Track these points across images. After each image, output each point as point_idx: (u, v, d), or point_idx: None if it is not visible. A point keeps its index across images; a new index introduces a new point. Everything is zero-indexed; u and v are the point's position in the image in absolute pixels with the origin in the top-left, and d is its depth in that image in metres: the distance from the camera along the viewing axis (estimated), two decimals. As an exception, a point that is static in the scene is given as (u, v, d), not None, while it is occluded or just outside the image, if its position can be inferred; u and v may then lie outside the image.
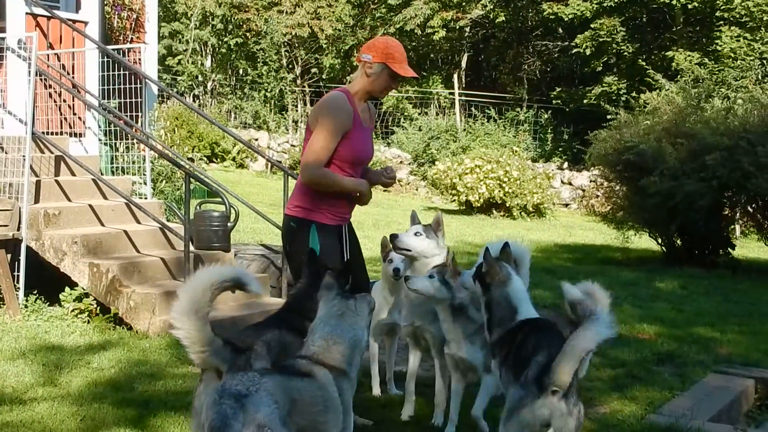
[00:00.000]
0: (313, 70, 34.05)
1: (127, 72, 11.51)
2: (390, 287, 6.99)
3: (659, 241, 15.84)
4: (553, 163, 28.36)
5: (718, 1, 26.82)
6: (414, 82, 34.89)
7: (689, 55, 26.79)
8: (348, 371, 4.48)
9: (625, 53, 29.14)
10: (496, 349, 5.31)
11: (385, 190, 25.93)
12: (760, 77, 23.36)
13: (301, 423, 4.09)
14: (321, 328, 4.59)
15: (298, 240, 6.00)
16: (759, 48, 25.88)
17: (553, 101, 31.66)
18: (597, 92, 28.79)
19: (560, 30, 32.86)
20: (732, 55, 25.89)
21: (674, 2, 27.21)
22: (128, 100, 11.43)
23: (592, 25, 29.02)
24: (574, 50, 30.00)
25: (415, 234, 6.49)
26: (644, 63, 26.99)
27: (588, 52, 29.23)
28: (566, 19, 29.90)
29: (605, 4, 28.93)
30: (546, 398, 4.69)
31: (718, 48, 26.41)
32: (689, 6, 27.37)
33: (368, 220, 17.13)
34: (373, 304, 4.84)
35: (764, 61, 24.80)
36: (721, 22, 26.97)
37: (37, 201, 9.90)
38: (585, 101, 29.38)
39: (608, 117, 18.32)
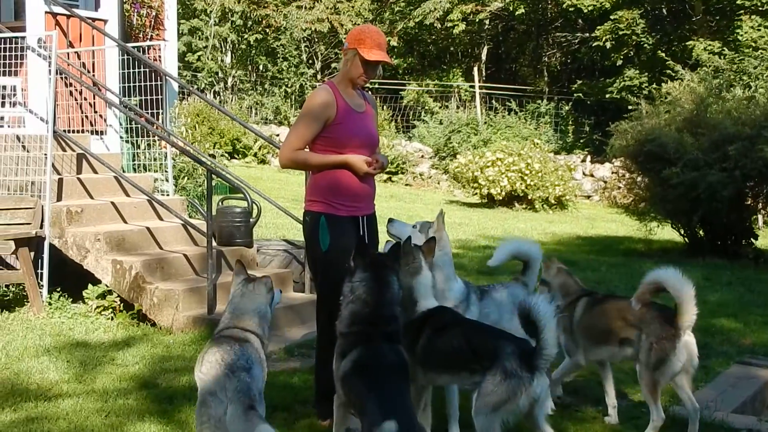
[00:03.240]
0: (334, 65, 34.05)
1: (147, 69, 11.55)
2: None
3: (681, 232, 15.76)
4: (574, 155, 28.25)
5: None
6: (434, 75, 34.89)
7: (709, 45, 26.63)
8: (262, 335, 5.34)
9: (645, 45, 29.00)
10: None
11: (406, 184, 25.97)
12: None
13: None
14: (229, 307, 5.43)
15: (311, 234, 6.17)
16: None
17: (574, 94, 31.55)
18: (618, 86, 28.68)
19: (580, 21, 32.74)
20: (753, 44, 25.70)
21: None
22: (149, 97, 11.47)
23: (611, 17, 28.89)
24: (594, 43, 29.89)
25: (413, 227, 6.51)
26: (664, 54, 26.81)
27: (608, 45, 29.11)
28: (585, 11, 29.82)
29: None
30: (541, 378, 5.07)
31: (739, 37, 26.23)
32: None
33: (390, 214, 17.06)
34: (269, 285, 5.48)
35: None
36: (741, 11, 26.81)
37: (59, 199, 9.96)
38: (607, 95, 29.26)
39: (629, 108, 18.27)
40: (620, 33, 28.73)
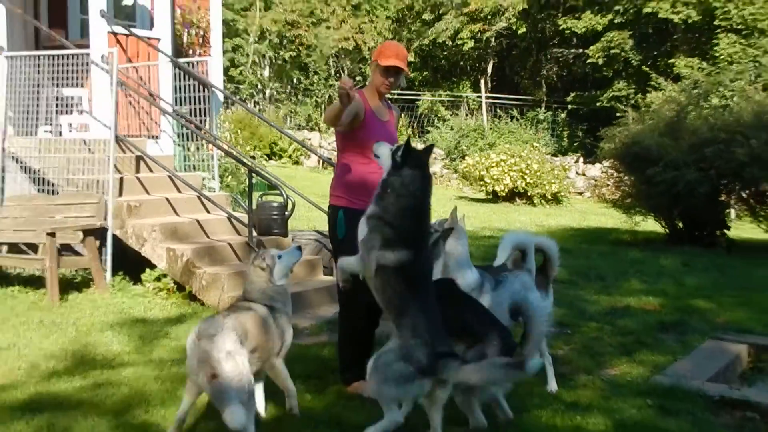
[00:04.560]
0: (358, 78, 34.10)
1: (196, 82, 11.62)
2: None
3: (663, 224, 15.74)
4: (569, 156, 28.17)
5: (717, 11, 26.53)
6: (446, 86, 34.83)
7: (690, 62, 26.53)
8: (273, 305, 5.40)
9: (633, 61, 28.92)
10: None
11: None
12: (753, 78, 23.12)
13: (252, 344, 5.15)
14: (245, 283, 5.54)
15: (332, 224, 6.19)
16: (753, 52, 25.56)
17: (569, 105, 31.46)
18: (608, 96, 28.61)
19: (575, 39, 32.65)
20: (729, 59, 25.59)
21: (676, 19, 27.03)
22: (197, 106, 11.54)
23: (603, 38, 28.86)
24: (588, 60, 29.82)
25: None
26: (649, 69, 26.73)
27: (600, 62, 29.08)
28: (579, 32, 29.78)
29: (616, 21, 28.79)
30: None
31: (716, 53, 26.12)
32: (689, 21, 27.16)
33: (407, 208, 17.12)
34: (270, 257, 5.45)
35: (756, 64, 24.51)
36: (719, 30, 26.69)
37: (120, 195, 10.04)
38: (598, 104, 29.17)
39: (618, 115, 18.25)
40: (611, 52, 28.69)
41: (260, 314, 5.33)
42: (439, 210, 14.74)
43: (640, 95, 22.73)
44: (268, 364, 5.42)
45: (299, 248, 5.66)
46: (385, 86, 6.26)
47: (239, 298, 5.59)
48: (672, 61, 27.18)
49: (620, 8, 28.69)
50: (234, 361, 4.86)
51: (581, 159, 27.23)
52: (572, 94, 31.57)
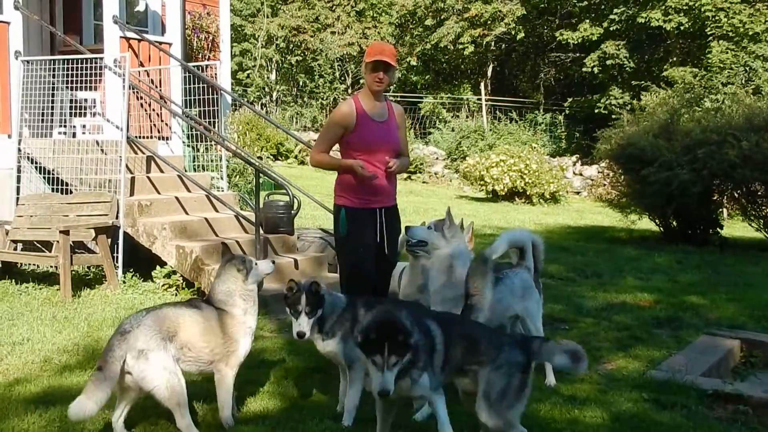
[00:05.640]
0: (362, 81, 34.02)
1: (205, 85, 11.60)
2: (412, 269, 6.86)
3: (657, 222, 15.69)
4: (566, 157, 28.10)
5: (708, 21, 26.48)
6: (447, 89, 34.82)
7: (682, 70, 26.49)
8: (228, 310, 5.16)
9: (627, 68, 28.88)
10: None
11: (423, 182, 25.93)
12: (743, 82, 23.09)
13: (183, 339, 4.94)
14: (213, 283, 5.36)
15: (335, 221, 6.25)
16: (743, 57, 25.51)
17: (567, 110, 31.43)
18: (604, 102, 28.57)
19: (571, 44, 32.66)
20: (720, 65, 25.53)
21: (668, 26, 26.96)
22: (206, 108, 11.52)
23: (598, 49, 28.84)
24: (584, 68, 29.79)
25: (428, 227, 6.35)
26: (644, 76, 26.68)
27: (596, 70, 29.06)
28: (575, 42, 29.78)
29: (611, 29, 28.74)
30: None
31: (709, 59, 26.06)
32: (681, 28, 27.10)
33: (409, 207, 17.12)
34: (239, 265, 5.27)
35: (746, 68, 24.48)
36: (710, 37, 26.64)
37: (132, 194, 10.03)
38: (596, 110, 29.13)
39: (614, 117, 18.20)
40: (606, 62, 28.67)
41: (204, 314, 5.10)
42: (440, 209, 14.69)
43: (635, 101, 22.64)
44: (214, 368, 5.15)
45: (273, 262, 5.64)
46: (375, 83, 6.14)
47: (206, 297, 5.41)
48: (665, 73, 27.09)
49: (615, 17, 28.64)
50: (145, 359, 4.73)
51: (578, 160, 27.17)
52: (569, 100, 31.52)
